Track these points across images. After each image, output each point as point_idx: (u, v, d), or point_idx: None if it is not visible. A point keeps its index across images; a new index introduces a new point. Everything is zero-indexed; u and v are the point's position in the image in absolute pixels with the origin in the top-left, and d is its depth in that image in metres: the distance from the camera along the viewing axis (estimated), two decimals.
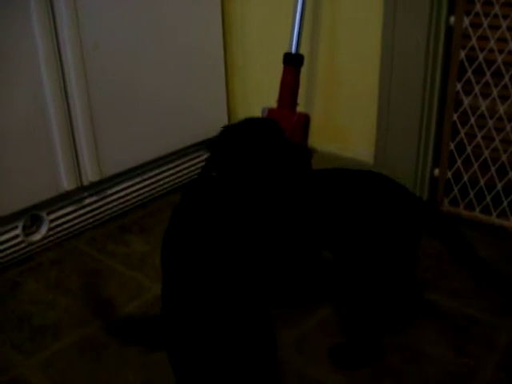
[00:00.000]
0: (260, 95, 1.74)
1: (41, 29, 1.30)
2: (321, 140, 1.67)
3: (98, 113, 1.46)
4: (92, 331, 1.21)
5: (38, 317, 1.26)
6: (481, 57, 1.40)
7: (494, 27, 1.37)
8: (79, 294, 1.32)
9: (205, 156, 1.78)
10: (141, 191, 1.66)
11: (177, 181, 1.74)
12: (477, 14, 1.38)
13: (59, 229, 1.50)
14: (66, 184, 1.44)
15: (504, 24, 1.35)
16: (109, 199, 1.58)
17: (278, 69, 1.48)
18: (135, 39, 1.50)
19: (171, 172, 1.72)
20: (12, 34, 1.27)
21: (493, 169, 1.47)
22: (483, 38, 1.39)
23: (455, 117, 1.48)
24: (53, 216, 1.47)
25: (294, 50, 1.42)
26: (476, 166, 1.49)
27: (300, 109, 1.50)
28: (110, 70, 1.47)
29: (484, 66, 1.40)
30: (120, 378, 1.09)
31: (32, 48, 1.31)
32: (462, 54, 1.42)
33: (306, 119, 1.40)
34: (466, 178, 1.52)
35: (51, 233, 1.48)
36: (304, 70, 1.52)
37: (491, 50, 1.38)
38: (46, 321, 1.24)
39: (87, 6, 1.37)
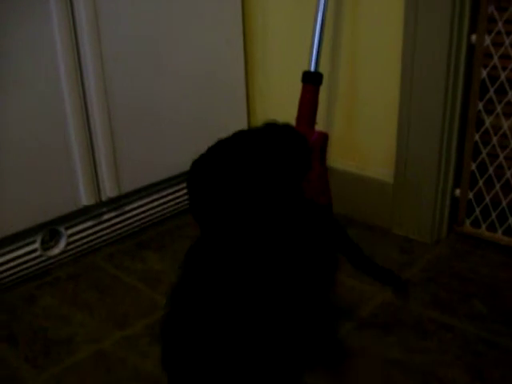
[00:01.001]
0: (281, 114, 1.73)
1: (62, 42, 1.32)
2: (340, 159, 1.66)
3: (118, 128, 1.47)
4: (107, 346, 1.20)
5: (52, 331, 1.26)
6: (503, 76, 1.38)
7: None
8: (95, 309, 1.32)
9: None
10: (159, 208, 1.66)
11: None
12: (499, 33, 1.36)
13: (77, 244, 1.51)
14: (85, 199, 1.45)
15: None
16: (127, 215, 1.59)
17: (298, 87, 1.48)
18: (155, 55, 1.51)
19: None
20: (33, 47, 1.29)
21: None
22: (505, 57, 1.37)
23: (477, 137, 1.46)
24: (71, 231, 1.48)
25: (313, 68, 1.42)
26: (498, 186, 1.46)
27: (319, 127, 1.50)
28: (130, 86, 1.48)
29: (506, 84, 1.38)
30: None
31: (52, 61, 1.32)
32: (484, 73, 1.40)
33: (324, 138, 1.39)
34: (487, 198, 1.49)
35: (69, 248, 1.49)
36: (323, 88, 1.51)
37: None
38: (61, 335, 1.25)
39: (108, 18, 1.39)
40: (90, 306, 1.34)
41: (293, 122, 1.47)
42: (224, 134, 1.74)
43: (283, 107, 1.72)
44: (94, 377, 1.13)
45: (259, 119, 1.84)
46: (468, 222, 1.55)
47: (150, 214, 1.65)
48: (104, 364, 1.16)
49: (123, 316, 1.30)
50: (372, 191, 1.61)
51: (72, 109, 1.37)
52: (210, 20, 1.61)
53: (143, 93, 1.51)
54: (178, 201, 1.70)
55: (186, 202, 1.71)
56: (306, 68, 1.45)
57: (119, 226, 1.58)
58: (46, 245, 1.46)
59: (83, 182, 1.44)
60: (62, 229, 1.46)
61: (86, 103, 1.40)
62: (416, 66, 1.43)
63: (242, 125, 1.80)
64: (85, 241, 1.52)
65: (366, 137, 1.61)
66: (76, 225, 1.49)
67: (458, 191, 1.54)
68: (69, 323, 1.28)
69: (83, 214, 1.49)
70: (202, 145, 1.71)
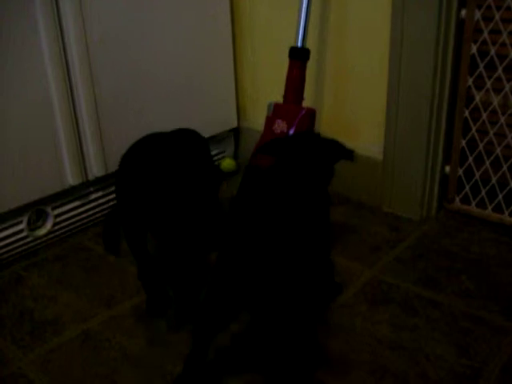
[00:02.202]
0: (270, 90, 1.72)
1: (45, 23, 1.30)
2: (329, 135, 1.63)
3: (104, 107, 1.45)
4: (93, 326, 1.20)
5: (39, 311, 1.25)
6: (493, 51, 1.36)
7: (507, 20, 1.33)
8: (82, 290, 1.31)
9: (213, 152, 1.78)
10: None
11: None
12: (489, 7, 1.34)
13: (64, 224, 1.49)
14: (71, 179, 1.44)
15: None
16: (114, 195, 1.57)
17: (287, 63, 1.46)
18: (141, 33, 1.49)
19: None
20: (17, 29, 1.27)
21: (505, 166, 1.43)
22: (495, 32, 1.36)
23: (466, 113, 1.45)
24: (58, 211, 1.47)
25: (299, 44, 1.40)
26: (488, 163, 1.46)
27: (308, 104, 1.48)
28: (116, 64, 1.46)
29: (496, 60, 1.37)
30: (119, 375, 1.07)
31: (37, 41, 1.30)
32: (474, 48, 1.38)
33: (312, 114, 1.38)
34: (477, 175, 1.48)
35: (56, 228, 1.48)
36: (312, 64, 1.50)
37: (503, 44, 1.35)
38: (48, 316, 1.24)
39: (93, 4, 1.37)
40: (77, 286, 1.33)
41: (280, 98, 1.45)
42: (212, 115, 1.74)
43: (273, 83, 1.70)
44: (80, 357, 1.12)
45: (248, 97, 1.83)
46: (458, 198, 1.55)
47: None
48: (91, 344, 1.15)
49: (110, 296, 1.29)
50: (361, 169, 1.59)
51: (57, 88, 1.35)
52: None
53: (129, 69, 1.49)
54: None
55: None
56: (293, 44, 1.43)
57: (106, 205, 1.57)
58: (33, 225, 1.44)
59: (69, 162, 1.42)
60: (48, 209, 1.45)
61: (70, 83, 1.37)
62: (405, 42, 1.41)
63: (231, 104, 1.79)
64: (72, 221, 1.51)
65: (355, 114, 1.59)
66: (63, 205, 1.47)
67: (447, 168, 1.53)
68: (55, 303, 1.28)
69: (70, 193, 1.48)
70: (189, 124, 1.71)
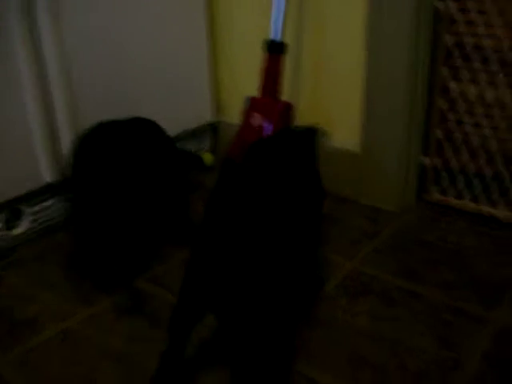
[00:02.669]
0: (248, 84, 1.71)
1: (19, 27, 1.28)
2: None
3: (80, 102, 1.43)
4: (73, 325, 1.19)
5: (18, 311, 1.23)
6: (469, 42, 1.37)
7: (482, 12, 1.34)
8: (60, 288, 1.30)
9: (192, 146, 1.77)
10: None
11: None
12: None
13: (41, 222, 1.47)
14: (48, 176, 1.42)
15: (491, 8, 1.32)
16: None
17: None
18: (114, 27, 1.47)
19: None
20: None
21: (482, 157, 1.44)
22: (471, 23, 1.36)
23: (443, 104, 1.46)
24: (35, 209, 1.45)
25: (275, 38, 1.40)
26: (465, 154, 1.47)
27: (285, 97, 1.48)
28: (91, 58, 1.44)
29: (472, 51, 1.37)
30: (99, 373, 1.07)
31: (9, 36, 1.28)
32: (450, 40, 1.39)
33: (289, 108, 1.37)
34: (454, 166, 1.49)
35: (33, 226, 1.46)
36: (289, 58, 1.49)
37: (479, 36, 1.35)
38: (26, 315, 1.22)
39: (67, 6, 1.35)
40: (56, 284, 1.31)
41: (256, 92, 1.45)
42: (189, 110, 1.73)
43: (250, 77, 1.70)
44: (60, 355, 1.11)
45: (226, 90, 1.82)
46: (435, 189, 1.56)
47: None
48: (71, 342, 1.14)
49: (89, 294, 1.28)
50: (339, 161, 1.60)
51: (30, 81, 1.33)
52: None
53: (105, 66, 1.47)
54: None
55: None
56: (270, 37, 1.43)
57: None
58: (10, 224, 1.42)
59: (45, 158, 1.40)
60: (24, 207, 1.43)
61: (45, 77, 1.35)
62: (382, 34, 1.41)
63: (209, 99, 1.78)
64: (49, 219, 1.49)
65: (331, 107, 1.59)
66: (39, 202, 1.45)
67: (425, 159, 1.54)
68: (34, 302, 1.26)
69: (46, 191, 1.46)
70: (166, 119, 1.71)
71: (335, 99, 1.58)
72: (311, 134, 1.14)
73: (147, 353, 1.09)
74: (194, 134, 1.78)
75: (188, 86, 1.69)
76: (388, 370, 1.04)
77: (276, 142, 1.09)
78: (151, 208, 1.33)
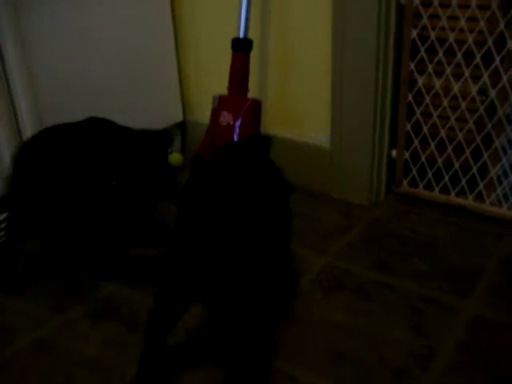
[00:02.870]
0: (215, 83, 1.70)
1: None
2: (276, 126, 1.64)
3: (44, 104, 1.39)
4: (47, 333, 1.16)
5: None
6: (433, 35, 1.38)
7: (445, 5, 1.36)
8: (31, 296, 1.27)
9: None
10: None
11: None
12: None
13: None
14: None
15: (454, 1, 1.34)
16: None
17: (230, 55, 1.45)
18: (79, 28, 1.45)
19: None
20: None
21: (450, 148, 1.46)
22: (434, 17, 1.38)
23: (410, 97, 1.47)
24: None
25: (242, 35, 1.39)
26: (433, 145, 1.48)
27: (253, 95, 1.47)
28: (54, 61, 1.41)
29: (436, 44, 1.39)
30: (75, 381, 1.05)
31: None
32: (414, 33, 1.40)
33: (257, 105, 1.37)
34: (423, 158, 1.51)
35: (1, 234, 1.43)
36: (255, 55, 1.49)
37: (443, 29, 1.37)
38: None
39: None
40: (26, 292, 1.29)
41: (226, 90, 1.44)
42: (157, 109, 1.71)
43: (218, 75, 1.69)
44: (36, 365, 1.09)
45: (193, 90, 1.80)
46: (405, 182, 1.57)
47: None
48: (46, 351, 1.12)
49: (61, 301, 1.25)
50: (310, 157, 1.60)
51: None
52: None
53: (71, 71, 1.45)
54: None
55: None
56: (236, 35, 1.42)
57: None
58: None
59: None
60: None
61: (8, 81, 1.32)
62: (347, 30, 1.41)
63: (176, 98, 1.76)
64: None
65: (300, 103, 1.60)
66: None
67: (394, 152, 1.56)
68: (5, 312, 1.23)
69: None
70: (133, 119, 1.69)
71: (303, 95, 1.58)
72: (266, 141, 1.17)
73: (125, 358, 1.08)
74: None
75: (156, 87, 1.68)
76: (368, 364, 1.05)
77: (237, 147, 1.11)
78: (111, 210, 1.30)
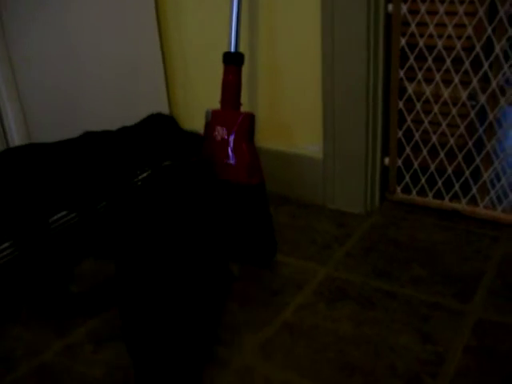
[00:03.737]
0: (203, 98, 1.70)
1: None
2: (268, 138, 1.64)
3: (32, 118, 1.38)
4: (49, 358, 1.14)
5: None
6: (421, 43, 1.40)
7: (432, 13, 1.37)
8: (30, 320, 1.25)
9: None
10: None
11: None
12: (414, 1, 1.38)
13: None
14: None
15: (441, 9, 1.35)
16: None
17: (220, 71, 1.44)
18: (68, 46, 1.44)
19: None
20: None
21: (441, 153, 1.48)
22: (422, 24, 1.39)
23: (401, 104, 1.48)
24: None
25: (233, 49, 1.39)
26: (425, 151, 1.49)
27: (244, 108, 1.47)
28: (45, 85, 1.40)
29: (425, 51, 1.40)
30: None
31: None
32: (403, 41, 1.42)
33: (251, 118, 1.37)
34: (416, 164, 1.52)
35: None
36: (245, 68, 1.48)
37: (431, 36, 1.39)
38: None
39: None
40: (25, 317, 1.26)
41: (217, 105, 1.44)
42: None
43: (205, 90, 1.69)
44: None
45: (181, 107, 1.80)
46: (399, 189, 1.58)
47: None
48: (48, 377, 1.10)
49: (62, 324, 1.23)
50: (303, 168, 1.60)
51: None
52: (120, 9, 1.55)
53: (58, 88, 1.43)
54: None
55: None
56: (225, 49, 1.41)
57: None
58: None
59: None
60: None
61: None
62: (336, 40, 1.42)
63: (165, 111, 1.75)
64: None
65: (292, 114, 1.60)
66: None
67: (386, 160, 1.56)
68: (4, 339, 1.21)
69: None
70: None
71: (294, 106, 1.58)
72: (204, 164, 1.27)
73: (130, 380, 1.06)
74: None
75: (143, 101, 1.67)
76: (378, 374, 1.05)
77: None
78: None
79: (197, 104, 1.73)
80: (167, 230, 1.03)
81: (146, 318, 0.96)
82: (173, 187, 1.13)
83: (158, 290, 0.97)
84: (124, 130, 1.33)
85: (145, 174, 1.32)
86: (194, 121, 1.64)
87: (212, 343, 1.13)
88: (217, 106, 1.42)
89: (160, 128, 1.34)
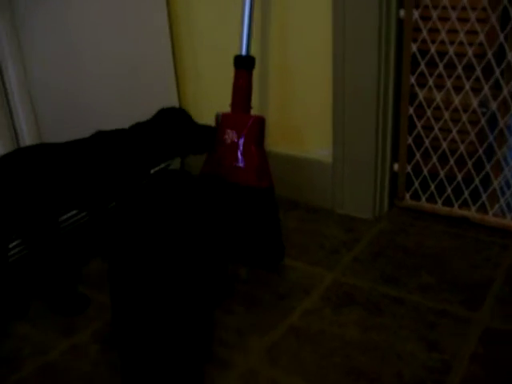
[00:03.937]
0: (213, 100, 1.70)
1: None
2: (278, 142, 1.64)
3: (42, 113, 1.39)
4: (55, 357, 1.14)
5: None
6: (432, 49, 1.40)
7: (444, 19, 1.37)
8: (38, 320, 1.25)
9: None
10: None
11: None
12: (426, 7, 1.37)
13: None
14: None
15: (453, 15, 1.35)
16: None
17: (230, 72, 1.44)
18: (78, 46, 1.44)
19: None
20: None
21: (451, 160, 1.47)
22: (434, 31, 1.39)
23: (411, 110, 1.48)
24: None
25: (244, 53, 1.39)
26: (435, 158, 1.49)
27: (254, 112, 1.47)
28: (55, 86, 1.40)
29: (436, 57, 1.40)
30: None
31: None
32: (414, 47, 1.41)
33: (261, 122, 1.37)
34: (425, 171, 1.51)
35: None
36: (256, 72, 1.49)
37: (442, 42, 1.38)
38: (4, 351, 1.17)
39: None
40: (32, 316, 1.27)
41: (227, 108, 1.44)
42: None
43: (216, 94, 1.69)
44: None
45: (191, 109, 1.80)
46: (408, 195, 1.57)
47: None
48: (54, 376, 1.10)
49: (68, 324, 1.24)
50: (312, 172, 1.60)
51: None
52: (132, 7, 1.56)
53: (67, 89, 1.44)
54: None
55: None
56: (236, 52, 1.42)
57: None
58: None
59: None
60: None
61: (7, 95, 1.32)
62: (347, 45, 1.42)
63: None
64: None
65: (302, 119, 1.60)
66: None
67: (396, 166, 1.56)
68: (11, 338, 1.21)
69: None
70: None
71: (305, 110, 1.58)
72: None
73: None
74: None
75: (155, 103, 1.67)
76: (385, 380, 1.04)
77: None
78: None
79: (206, 102, 1.73)
80: (166, 230, 1.02)
81: (139, 319, 0.96)
82: (178, 189, 1.13)
83: (148, 291, 0.96)
84: (137, 126, 1.33)
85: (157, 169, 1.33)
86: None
87: (211, 343, 1.13)
88: (227, 103, 1.42)
89: (174, 121, 1.34)
